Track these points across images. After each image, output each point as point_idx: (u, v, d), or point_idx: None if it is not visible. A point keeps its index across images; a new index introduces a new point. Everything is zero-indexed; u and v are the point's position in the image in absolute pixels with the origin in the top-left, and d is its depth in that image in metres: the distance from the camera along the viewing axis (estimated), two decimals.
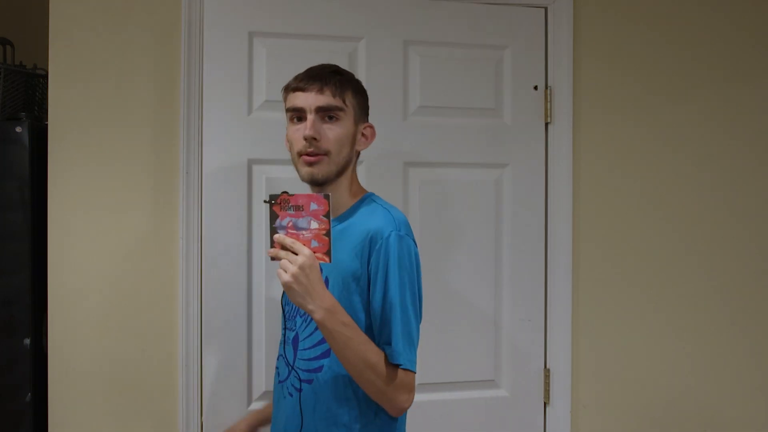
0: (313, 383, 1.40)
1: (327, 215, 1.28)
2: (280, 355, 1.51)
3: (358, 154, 1.49)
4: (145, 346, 1.95)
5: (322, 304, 1.27)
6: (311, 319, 1.36)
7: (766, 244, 2.12)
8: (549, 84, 2.07)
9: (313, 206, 1.28)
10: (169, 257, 1.96)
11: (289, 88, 1.44)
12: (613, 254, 2.08)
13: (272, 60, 1.95)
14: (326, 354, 1.38)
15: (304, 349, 1.41)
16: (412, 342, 1.34)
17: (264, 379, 1.96)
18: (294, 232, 1.29)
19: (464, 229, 2.05)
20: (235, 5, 1.94)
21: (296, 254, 1.26)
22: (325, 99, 1.39)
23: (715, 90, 2.10)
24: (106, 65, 1.96)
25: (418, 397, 1.99)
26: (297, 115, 1.41)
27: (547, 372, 2.07)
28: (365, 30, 2.00)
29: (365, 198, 1.46)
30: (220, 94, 1.94)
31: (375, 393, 1.33)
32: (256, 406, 1.92)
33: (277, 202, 1.29)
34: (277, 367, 1.52)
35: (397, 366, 1.32)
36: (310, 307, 1.27)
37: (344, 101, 1.40)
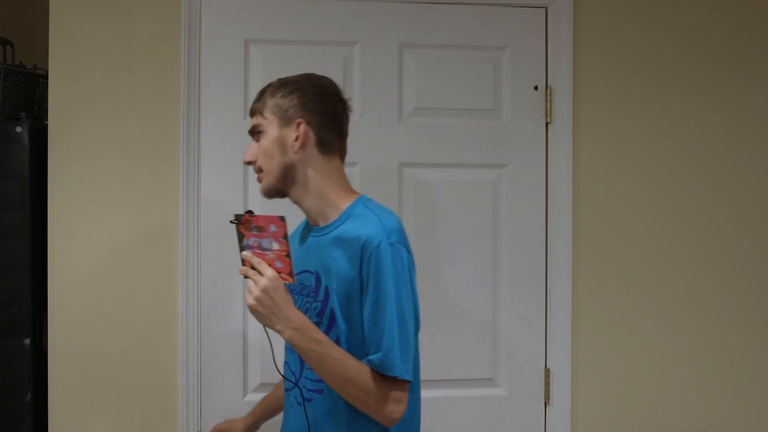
0: (313, 402, 1.40)
1: (285, 237, 1.26)
2: (285, 362, 1.50)
3: (329, 151, 1.41)
4: (145, 345, 1.95)
5: (290, 324, 1.27)
6: None
7: (766, 245, 2.12)
8: (549, 84, 2.07)
9: (272, 228, 1.27)
10: (169, 257, 1.96)
11: None
12: (614, 254, 2.08)
13: (268, 66, 1.98)
14: None
15: (310, 369, 1.37)
16: (405, 350, 1.30)
17: (259, 372, 1.98)
18: (260, 252, 1.29)
19: (463, 228, 2.05)
20: (231, 14, 1.98)
21: (262, 275, 1.27)
22: (251, 122, 1.44)
23: (715, 90, 2.10)
24: (107, 65, 1.96)
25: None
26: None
27: (547, 372, 2.07)
28: (360, 35, 2.02)
29: (358, 202, 1.40)
30: (218, 99, 1.98)
31: (360, 406, 1.31)
32: (253, 398, 1.92)
33: (242, 222, 1.29)
34: (285, 372, 1.49)
35: (385, 377, 1.29)
36: (278, 327, 1.27)
37: (263, 114, 1.41)
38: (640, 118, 2.08)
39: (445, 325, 2.04)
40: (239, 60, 1.98)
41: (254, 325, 1.94)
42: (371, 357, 1.29)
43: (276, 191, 1.42)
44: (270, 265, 1.28)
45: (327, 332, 1.35)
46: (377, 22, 2.02)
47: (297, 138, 1.38)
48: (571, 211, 2.06)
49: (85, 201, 1.95)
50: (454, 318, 2.05)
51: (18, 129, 1.91)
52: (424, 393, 2.00)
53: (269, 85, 1.44)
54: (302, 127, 1.38)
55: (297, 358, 1.43)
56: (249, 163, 1.43)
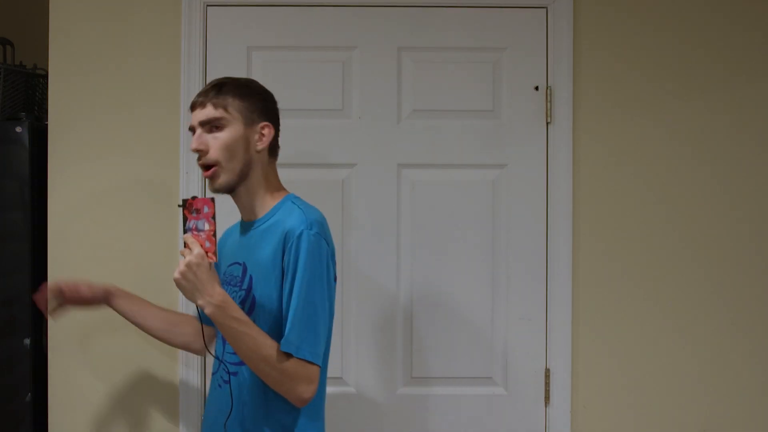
0: (238, 375, 1.47)
1: (213, 217, 1.38)
2: (216, 350, 1.58)
3: (274, 154, 1.54)
4: (145, 345, 1.95)
5: (212, 299, 1.34)
6: None
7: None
8: (549, 84, 2.07)
9: (206, 209, 1.39)
10: (169, 256, 1.96)
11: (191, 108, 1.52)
12: (614, 254, 2.08)
13: (269, 71, 2.01)
14: None
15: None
16: (315, 334, 1.40)
17: None
18: (196, 233, 1.38)
19: (463, 228, 2.06)
20: (234, 23, 2.02)
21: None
22: (205, 113, 1.46)
23: (717, 90, 2.10)
24: (107, 65, 1.96)
25: (416, 390, 2.03)
26: (192, 131, 1.49)
27: (547, 372, 2.07)
28: (359, 40, 2.04)
29: (286, 199, 1.52)
30: None
31: (273, 384, 1.39)
32: None
33: (186, 206, 1.39)
34: (216, 349, 1.58)
35: (297, 359, 1.37)
36: (200, 302, 1.35)
37: (226, 109, 1.46)
38: (640, 118, 2.08)
39: (446, 324, 2.05)
40: (242, 66, 2.01)
41: None
42: (284, 339, 1.38)
43: (231, 188, 1.49)
44: (201, 245, 1.37)
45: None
46: (376, 27, 2.05)
47: (260, 140, 1.49)
48: (571, 211, 2.06)
49: (85, 201, 1.95)
50: (455, 318, 2.05)
51: (18, 129, 1.92)
52: (425, 390, 2.06)
53: (226, 83, 1.50)
54: (268, 131, 1.50)
55: (221, 343, 1.53)
56: (198, 151, 1.46)
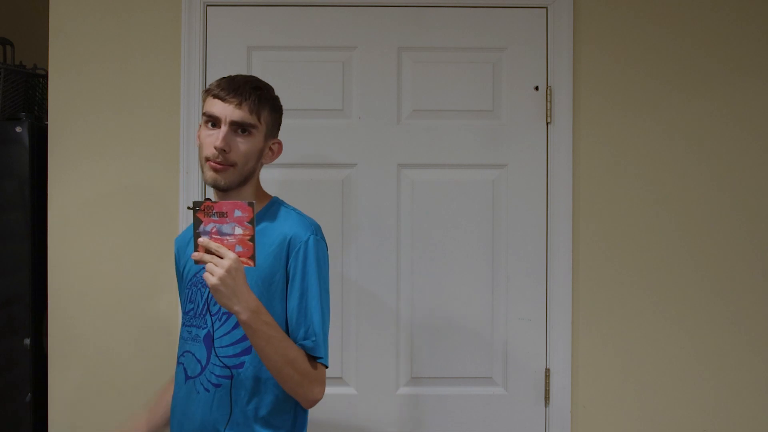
0: (234, 378, 1.45)
1: (251, 221, 1.34)
2: (185, 352, 1.52)
3: (262, 164, 1.54)
4: (145, 345, 1.95)
5: (248, 305, 1.32)
6: (226, 317, 1.44)
7: None
8: (549, 84, 2.07)
9: (237, 213, 1.34)
10: (170, 257, 1.96)
11: (209, 92, 1.47)
12: (614, 254, 2.08)
13: (269, 71, 2.00)
14: (247, 351, 1.43)
15: (223, 347, 1.45)
16: (327, 339, 1.44)
17: None
18: (218, 237, 1.34)
19: (463, 228, 2.06)
20: (235, 23, 2.03)
21: (222, 258, 1.31)
22: (241, 114, 1.43)
23: (718, 90, 2.10)
24: (107, 65, 1.96)
25: (416, 390, 2.03)
26: (212, 120, 1.44)
27: (547, 372, 2.07)
28: (359, 40, 2.05)
29: (273, 202, 1.52)
30: None
31: (292, 387, 1.40)
32: None
33: (201, 209, 1.35)
34: (181, 364, 1.52)
35: (315, 360, 1.41)
36: (237, 308, 1.32)
37: (259, 119, 1.45)
38: (640, 118, 2.08)
39: (446, 324, 2.05)
40: (242, 66, 2.02)
41: None
42: (304, 342, 1.41)
43: (228, 187, 1.47)
44: (230, 250, 1.34)
45: None
46: (376, 27, 2.05)
47: (273, 153, 1.52)
48: (571, 211, 2.06)
49: (85, 201, 1.95)
50: (454, 317, 2.05)
51: (18, 129, 1.92)
52: (425, 390, 2.07)
53: (262, 88, 1.47)
54: (278, 148, 1.52)
55: (203, 347, 1.47)
56: (221, 150, 1.41)
